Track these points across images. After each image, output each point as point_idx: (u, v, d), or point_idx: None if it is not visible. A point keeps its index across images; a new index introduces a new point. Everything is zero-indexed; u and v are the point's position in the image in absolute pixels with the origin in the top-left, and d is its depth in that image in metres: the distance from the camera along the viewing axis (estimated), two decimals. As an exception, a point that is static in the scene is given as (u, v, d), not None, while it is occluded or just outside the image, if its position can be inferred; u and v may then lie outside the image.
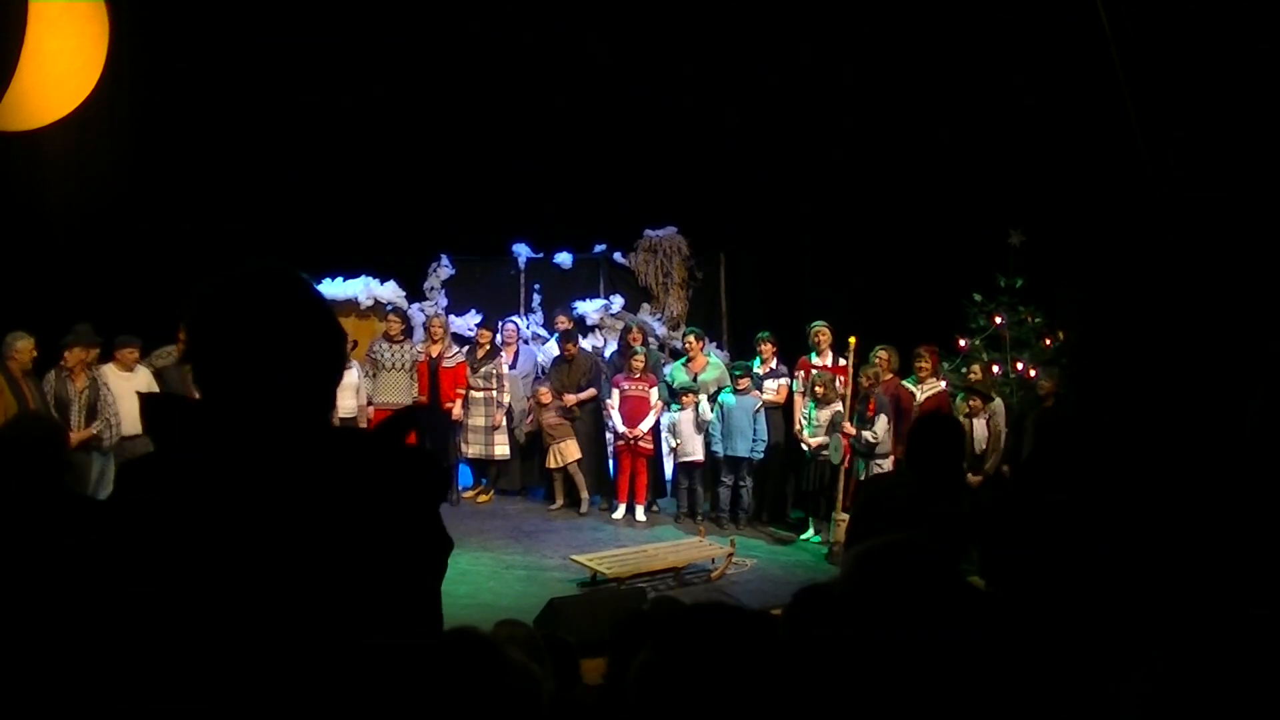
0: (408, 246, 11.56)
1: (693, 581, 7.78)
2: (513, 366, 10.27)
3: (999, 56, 9.20)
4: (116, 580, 1.40)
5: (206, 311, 1.53)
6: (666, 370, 9.97)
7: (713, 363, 9.75)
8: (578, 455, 9.72)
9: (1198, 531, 1.88)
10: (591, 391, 9.78)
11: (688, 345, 9.79)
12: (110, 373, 8.17)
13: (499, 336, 10.42)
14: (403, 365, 9.69)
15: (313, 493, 1.46)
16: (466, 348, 10.23)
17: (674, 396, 9.57)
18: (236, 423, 1.50)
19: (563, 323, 10.57)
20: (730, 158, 11.66)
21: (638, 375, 9.51)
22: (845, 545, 7.05)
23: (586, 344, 10.72)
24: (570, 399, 9.71)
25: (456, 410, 9.84)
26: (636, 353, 9.63)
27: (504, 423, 10.07)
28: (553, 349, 10.54)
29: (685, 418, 9.43)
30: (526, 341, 10.92)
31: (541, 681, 2.16)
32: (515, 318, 11.36)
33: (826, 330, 9.31)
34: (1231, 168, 6.49)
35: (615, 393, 9.59)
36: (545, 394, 9.76)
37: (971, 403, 8.22)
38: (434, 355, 9.86)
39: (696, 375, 9.58)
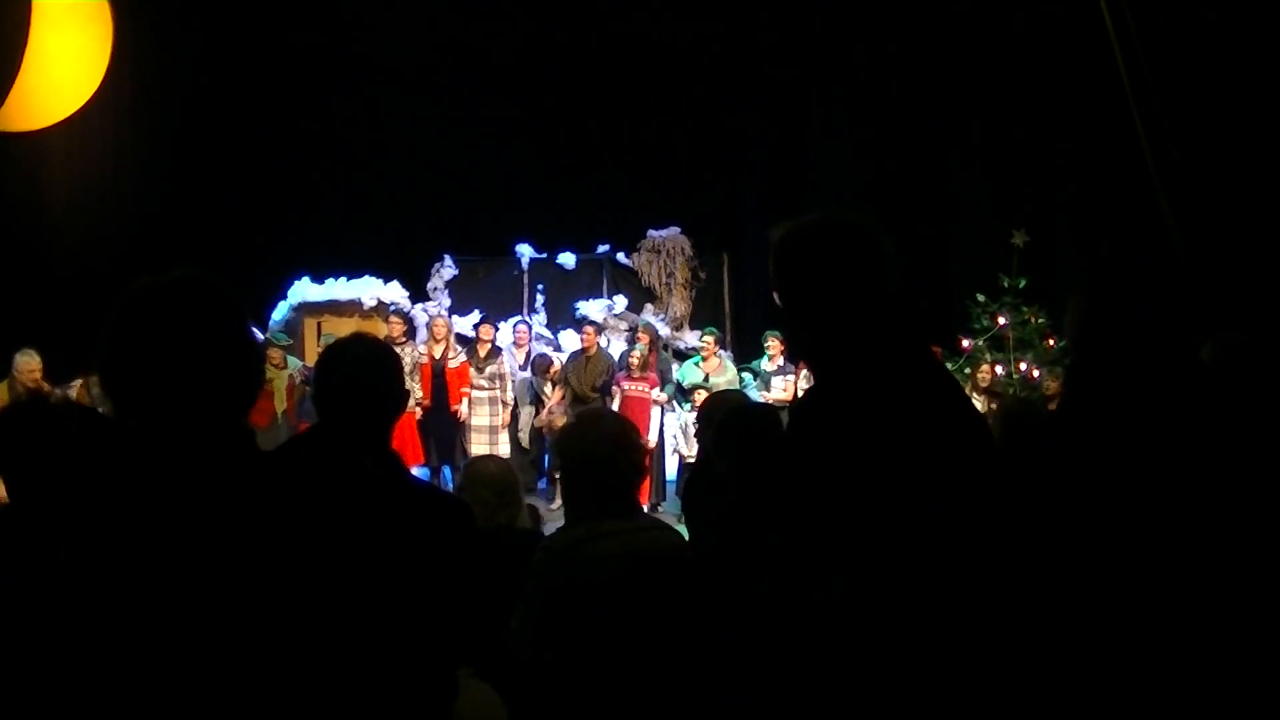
0: (411, 247, 11.58)
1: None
2: (524, 367, 10.25)
3: (1002, 56, 9.19)
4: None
5: (115, 321, 1.53)
6: (676, 369, 9.94)
7: (726, 365, 9.71)
8: None
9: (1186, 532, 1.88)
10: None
11: (705, 346, 9.73)
12: None
13: (501, 335, 10.38)
14: (404, 368, 9.67)
15: (213, 504, 1.46)
16: (469, 347, 10.21)
17: (685, 396, 9.52)
18: (140, 432, 1.50)
19: (553, 373, 10.34)
20: (733, 157, 11.67)
21: (636, 374, 9.45)
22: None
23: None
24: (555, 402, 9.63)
25: (463, 411, 9.81)
26: (634, 349, 9.59)
27: (509, 421, 10.06)
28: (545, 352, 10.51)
29: (695, 418, 9.37)
30: (537, 340, 10.91)
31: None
32: (524, 319, 11.36)
33: None
34: (1234, 166, 6.47)
35: (616, 393, 9.55)
36: (557, 398, 9.65)
37: (991, 405, 8.17)
38: (436, 357, 9.83)
39: (709, 375, 9.53)
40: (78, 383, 7.55)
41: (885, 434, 1.80)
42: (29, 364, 7.24)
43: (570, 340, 10.76)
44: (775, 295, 1.96)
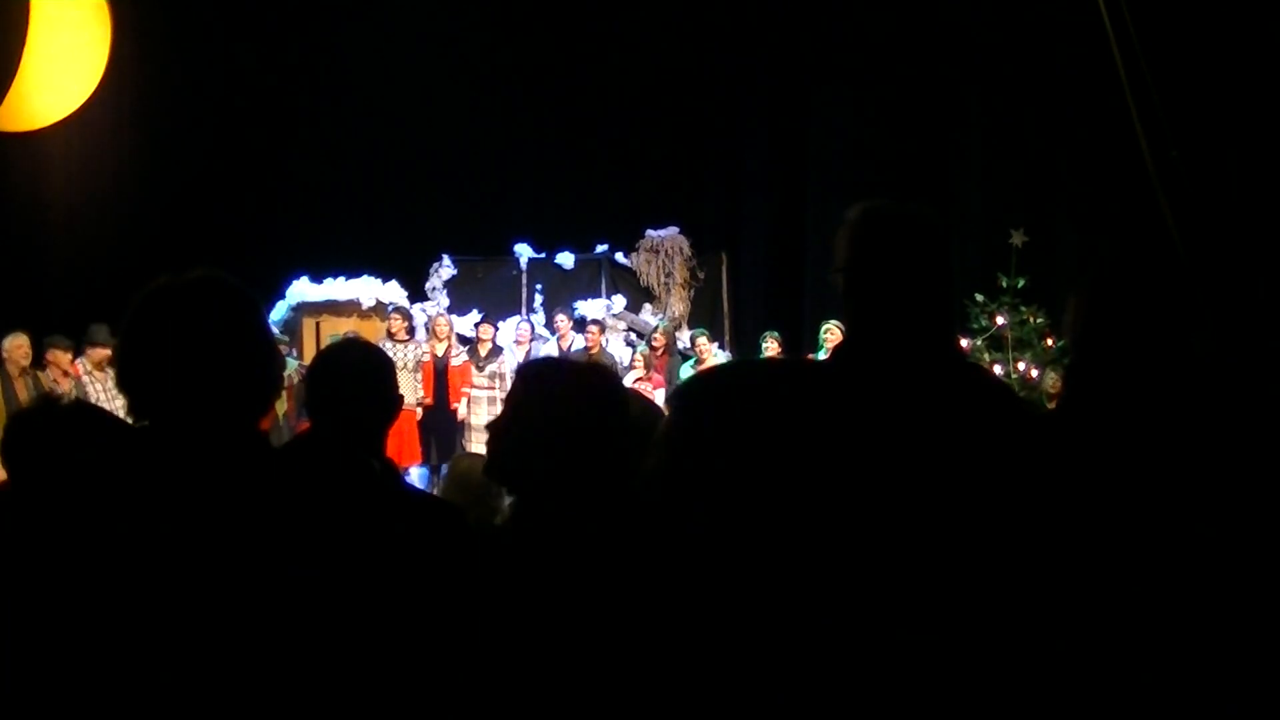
0: (409, 247, 11.56)
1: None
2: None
3: (1001, 56, 9.20)
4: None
5: (134, 319, 1.52)
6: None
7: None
8: None
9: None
10: None
11: (698, 347, 9.73)
12: None
13: (500, 335, 10.38)
14: (407, 365, 9.64)
15: (225, 506, 1.45)
16: (469, 346, 10.22)
17: None
18: (153, 433, 1.49)
19: (561, 324, 10.47)
20: (732, 157, 11.65)
21: (640, 375, 9.45)
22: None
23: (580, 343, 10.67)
24: None
25: (462, 410, 9.80)
26: (637, 351, 9.59)
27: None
28: (552, 350, 10.51)
29: None
30: (536, 340, 10.90)
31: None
32: (525, 318, 11.35)
33: (838, 329, 9.26)
34: (1233, 167, 6.47)
35: None
36: None
37: None
38: (439, 355, 9.84)
39: None
40: (59, 355, 7.89)
41: (899, 415, 1.81)
42: (18, 344, 7.59)
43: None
44: (840, 270, 1.95)
